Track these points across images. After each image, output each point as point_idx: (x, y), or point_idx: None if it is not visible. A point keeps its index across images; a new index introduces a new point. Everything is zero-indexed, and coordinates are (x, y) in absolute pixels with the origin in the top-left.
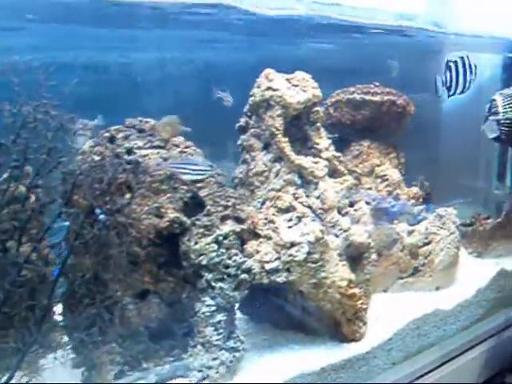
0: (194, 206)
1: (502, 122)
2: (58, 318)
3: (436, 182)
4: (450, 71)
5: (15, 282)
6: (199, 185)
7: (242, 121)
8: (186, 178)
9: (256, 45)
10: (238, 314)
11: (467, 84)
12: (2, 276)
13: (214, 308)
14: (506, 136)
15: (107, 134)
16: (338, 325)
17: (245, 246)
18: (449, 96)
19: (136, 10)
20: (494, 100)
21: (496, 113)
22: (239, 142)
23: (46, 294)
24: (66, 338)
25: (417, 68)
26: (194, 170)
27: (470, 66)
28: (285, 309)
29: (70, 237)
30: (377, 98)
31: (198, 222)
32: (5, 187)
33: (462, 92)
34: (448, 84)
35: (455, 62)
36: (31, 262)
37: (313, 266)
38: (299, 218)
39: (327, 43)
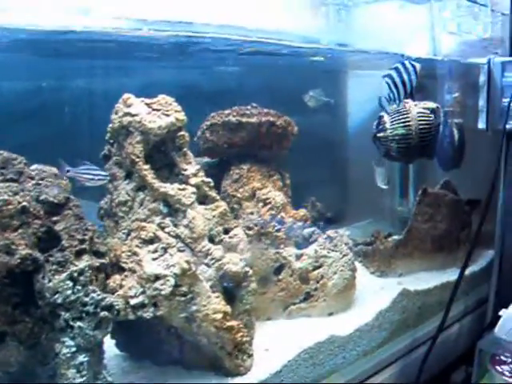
0: (49, 240)
1: (391, 138)
2: None
3: (343, 202)
4: (390, 87)
5: None
6: (55, 218)
7: (106, 149)
8: (89, 184)
9: (140, 70)
10: (116, 351)
11: (408, 89)
12: None
13: (74, 349)
14: (396, 152)
15: None
16: (220, 359)
17: (108, 281)
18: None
19: None
20: (382, 117)
21: (384, 129)
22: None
23: None
24: None
25: (322, 88)
26: (96, 175)
27: (406, 71)
28: (163, 344)
29: None
30: (254, 120)
31: (51, 258)
32: None
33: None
34: (393, 99)
35: (389, 76)
36: None
37: (182, 299)
38: (165, 249)
39: (229, 66)
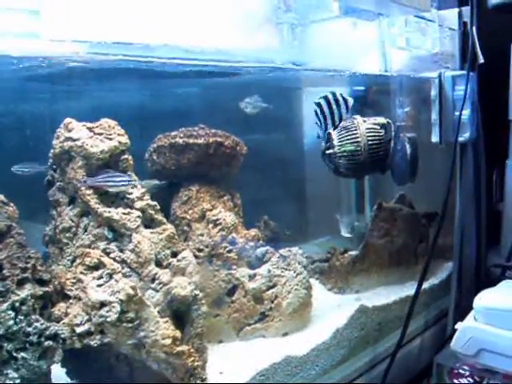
0: None
1: (339, 155)
2: None
3: (301, 220)
4: (317, 115)
5: None
6: None
7: (49, 174)
8: (114, 190)
9: (85, 93)
10: (67, 380)
11: (337, 119)
12: None
13: (18, 381)
14: (345, 169)
15: None
16: None
17: (53, 310)
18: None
19: None
20: (330, 134)
21: (332, 146)
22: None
23: None
24: None
25: (277, 106)
26: (118, 181)
27: (336, 102)
28: (113, 371)
29: None
30: (201, 141)
31: None
32: None
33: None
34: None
35: (318, 104)
36: None
37: (129, 325)
38: (110, 275)
39: (180, 87)
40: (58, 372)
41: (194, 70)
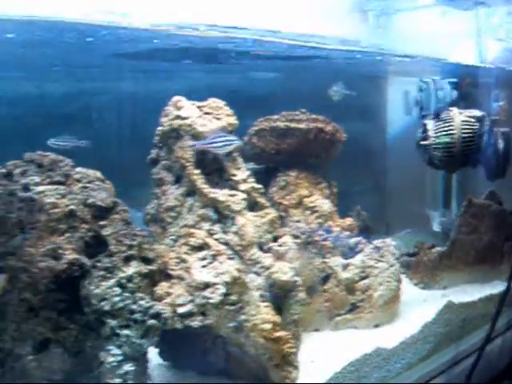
0: (96, 245)
1: (434, 146)
2: None
3: (383, 212)
4: (422, 91)
5: None
6: (102, 223)
7: (153, 152)
8: (220, 151)
9: (187, 73)
10: (160, 361)
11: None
12: None
13: (120, 358)
14: (438, 161)
15: (3, 170)
16: (266, 371)
17: (155, 289)
18: (421, 116)
19: None
20: (426, 124)
21: (427, 137)
22: (152, 176)
23: None
24: None
25: (361, 94)
26: (223, 141)
27: (442, 87)
28: (208, 354)
29: None
30: (302, 126)
31: (98, 264)
32: None
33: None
34: (420, 104)
35: (426, 83)
36: None
37: (231, 308)
38: (214, 257)
39: (269, 71)
40: (150, 351)
41: (281, 55)
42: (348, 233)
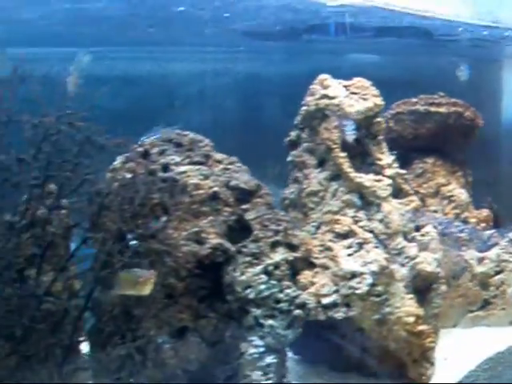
0: (239, 230)
1: None
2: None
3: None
4: None
5: (35, 317)
6: (245, 206)
7: (293, 134)
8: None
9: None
10: (289, 354)
11: None
12: (19, 309)
13: (262, 349)
14: None
15: (140, 149)
16: (403, 366)
17: (298, 277)
18: None
19: None
20: None
21: None
22: (289, 159)
23: (70, 330)
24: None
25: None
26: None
27: None
28: (343, 348)
29: (97, 266)
30: (442, 110)
31: (244, 250)
32: (24, 209)
33: None
34: None
35: None
36: (53, 294)
37: (376, 299)
38: (360, 245)
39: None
40: None
41: None
42: (484, 225)
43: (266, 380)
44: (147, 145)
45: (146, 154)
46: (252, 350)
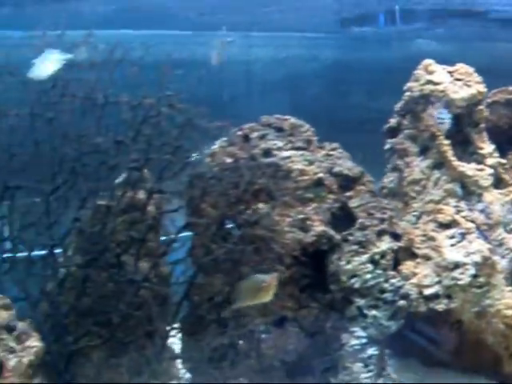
0: (342, 218)
1: None
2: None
3: None
4: None
5: (132, 303)
6: (348, 194)
7: (393, 121)
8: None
9: None
10: None
11: None
12: (117, 295)
13: (364, 340)
14: None
15: (240, 133)
16: (499, 361)
17: (399, 267)
18: None
19: None
20: None
21: None
22: (388, 146)
23: (165, 318)
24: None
25: None
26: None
27: None
28: (437, 342)
29: (198, 252)
30: None
31: (350, 238)
32: (121, 192)
33: None
34: None
35: None
36: (150, 280)
37: (477, 291)
38: (463, 235)
39: None
40: None
41: None
42: None
43: (367, 372)
44: (247, 129)
45: (246, 139)
46: (353, 342)
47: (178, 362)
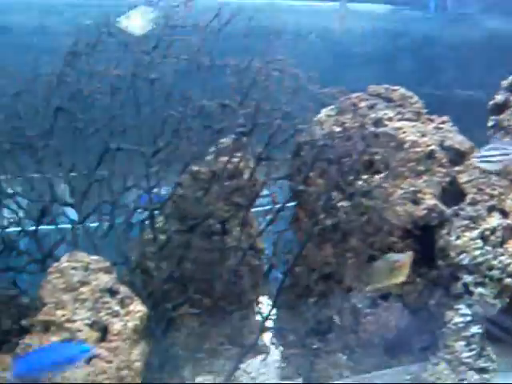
0: (451, 193)
1: None
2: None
3: None
4: None
5: (236, 272)
6: (457, 168)
7: (499, 98)
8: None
9: None
10: None
11: None
12: (219, 263)
13: (469, 318)
14: None
15: (348, 102)
16: None
17: (505, 246)
18: None
19: None
20: None
21: None
22: (491, 123)
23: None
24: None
25: None
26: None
27: None
28: None
29: (305, 222)
30: None
31: (461, 213)
32: (227, 158)
33: None
34: None
35: None
36: (254, 249)
37: None
38: None
39: None
40: None
41: None
42: None
43: (469, 351)
44: (354, 98)
45: (354, 108)
46: (457, 319)
47: (275, 335)
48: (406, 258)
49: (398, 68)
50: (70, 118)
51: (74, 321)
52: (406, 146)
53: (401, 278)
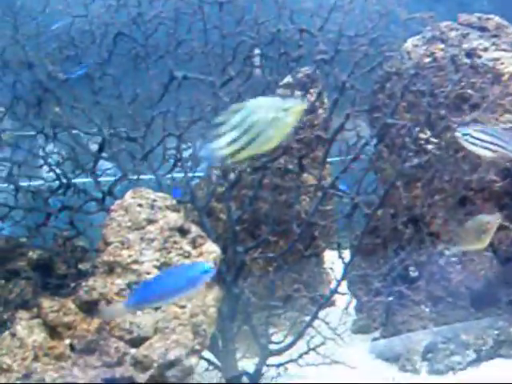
0: None
1: None
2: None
3: None
4: None
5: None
6: None
7: None
8: None
9: None
10: None
11: None
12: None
13: None
14: None
15: (437, 32)
16: None
17: None
18: None
19: None
20: None
21: None
22: None
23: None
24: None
25: None
26: None
27: None
28: None
29: (391, 161)
30: None
31: None
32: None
33: None
34: None
35: None
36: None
37: None
38: None
39: None
40: None
41: None
42: None
43: None
44: (444, 27)
45: (442, 38)
46: None
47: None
48: (494, 219)
49: None
50: (130, 46)
51: (142, 262)
52: (505, 78)
53: (486, 242)
